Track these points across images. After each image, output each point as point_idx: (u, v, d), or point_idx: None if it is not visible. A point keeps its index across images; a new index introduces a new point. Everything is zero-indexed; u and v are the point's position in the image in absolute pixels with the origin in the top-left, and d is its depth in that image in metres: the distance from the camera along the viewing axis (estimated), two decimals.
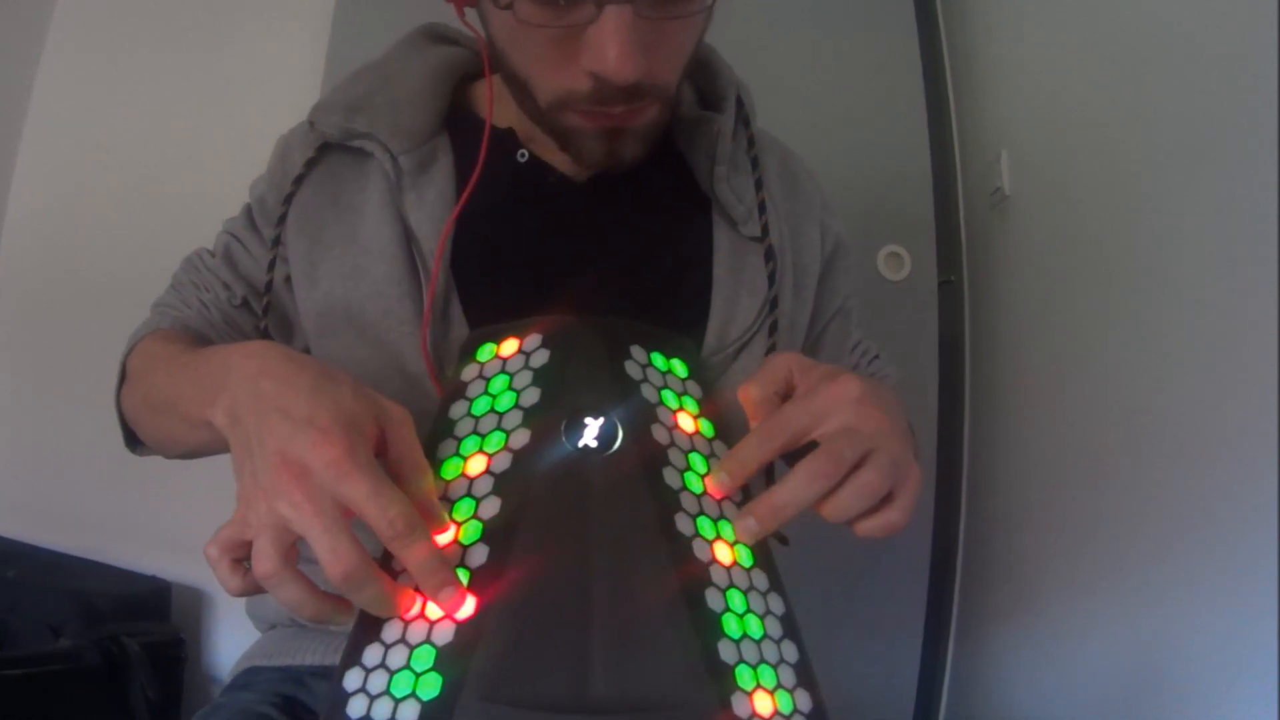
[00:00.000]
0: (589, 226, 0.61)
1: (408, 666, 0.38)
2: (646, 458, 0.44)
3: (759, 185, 0.63)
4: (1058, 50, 1.10)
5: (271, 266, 0.61)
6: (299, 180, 0.61)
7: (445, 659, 0.38)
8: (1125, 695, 0.83)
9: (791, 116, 1.05)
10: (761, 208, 0.62)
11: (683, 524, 0.43)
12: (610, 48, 0.47)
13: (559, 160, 0.62)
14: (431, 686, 0.37)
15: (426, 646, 0.38)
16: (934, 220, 1.30)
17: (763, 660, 0.41)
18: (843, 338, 0.72)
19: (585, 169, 0.61)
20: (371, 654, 0.39)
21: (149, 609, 1.16)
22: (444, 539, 0.41)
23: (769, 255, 0.61)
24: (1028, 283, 1.15)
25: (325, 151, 0.63)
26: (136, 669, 1.00)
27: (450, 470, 0.44)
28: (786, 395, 0.47)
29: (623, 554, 0.41)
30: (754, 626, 0.42)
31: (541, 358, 0.47)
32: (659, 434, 0.45)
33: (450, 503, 0.42)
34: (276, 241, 0.61)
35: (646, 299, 0.59)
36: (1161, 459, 0.82)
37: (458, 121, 0.64)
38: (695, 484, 0.45)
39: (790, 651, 0.42)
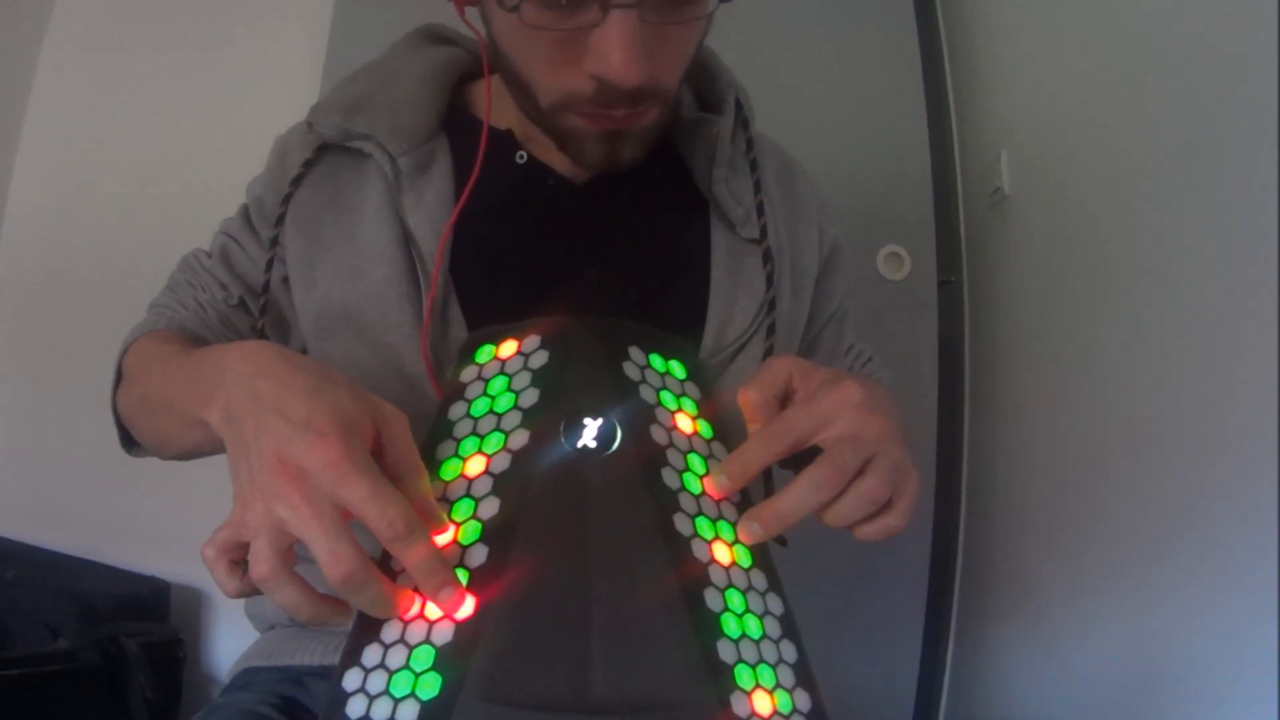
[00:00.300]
0: (587, 228, 0.61)
1: (407, 666, 0.38)
2: (645, 458, 0.44)
3: (757, 187, 0.63)
4: (1058, 50, 1.10)
5: (269, 267, 0.61)
6: (297, 181, 0.61)
7: (444, 659, 0.38)
8: (1125, 695, 0.83)
9: (791, 116, 1.05)
10: (760, 210, 0.62)
11: (681, 524, 0.43)
12: (615, 51, 0.47)
13: (558, 161, 0.62)
14: (431, 686, 0.37)
15: (426, 646, 0.38)
16: (934, 220, 1.30)
17: (762, 660, 0.41)
18: (838, 341, 0.72)
19: (585, 170, 0.61)
20: (371, 654, 0.39)
21: (148, 609, 1.16)
22: (443, 539, 0.41)
23: (767, 257, 0.61)
24: (1027, 283, 1.15)
25: (323, 152, 0.62)
26: (135, 669, 1.00)
27: (449, 471, 0.44)
28: (785, 399, 0.47)
29: (621, 554, 0.41)
30: (753, 626, 0.42)
31: (540, 359, 0.47)
32: (657, 434, 0.45)
33: (449, 503, 0.42)
34: (274, 242, 0.61)
35: (645, 300, 0.59)
36: (1161, 459, 0.82)
37: (457, 123, 0.64)
38: (694, 484, 0.45)
39: (789, 651, 0.42)
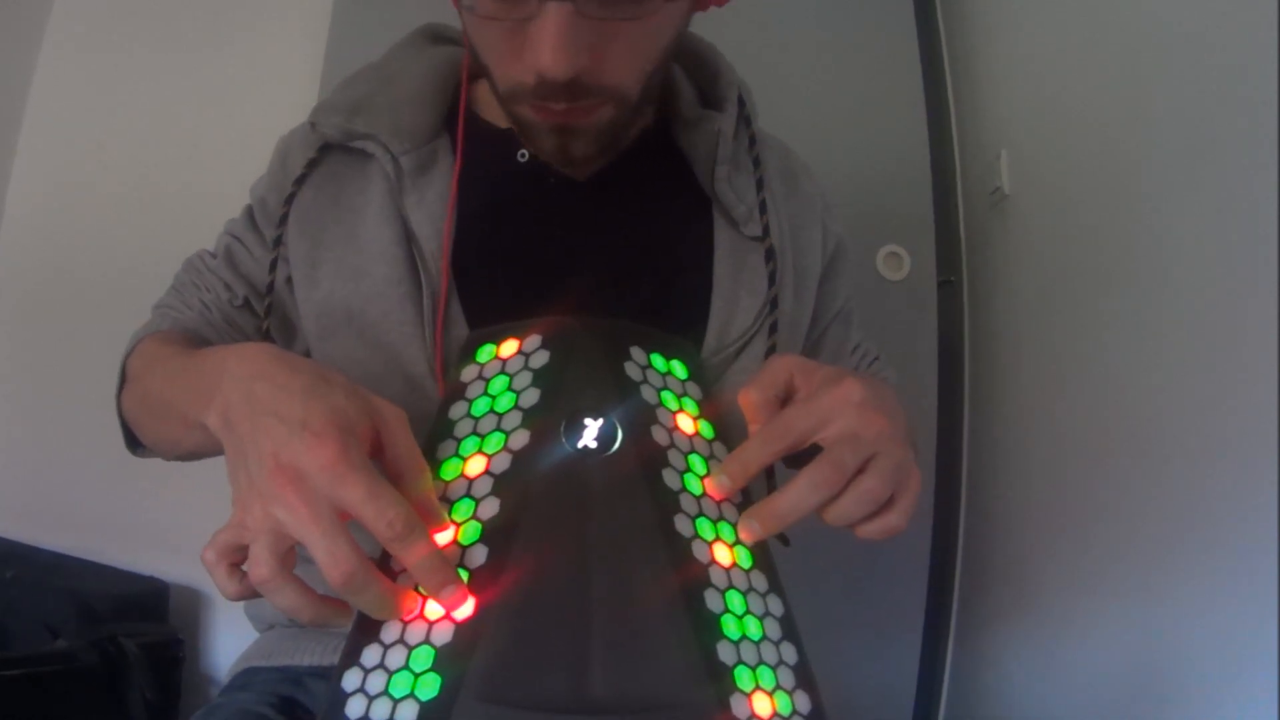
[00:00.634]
0: (589, 226, 0.61)
1: (406, 667, 0.38)
2: (646, 459, 0.44)
3: (760, 185, 0.63)
4: (1057, 50, 1.10)
5: (273, 267, 0.61)
6: (300, 181, 0.61)
7: (444, 659, 0.38)
8: (1125, 695, 0.83)
9: (791, 116, 1.05)
10: (762, 208, 0.62)
11: (682, 525, 0.43)
12: (545, 45, 0.47)
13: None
14: (430, 687, 0.37)
15: (425, 647, 0.38)
16: (934, 220, 1.30)
17: (762, 661, 0.41)
18: (842, 340, 0.72)
19: (548, 161, 0.60)
20: (370, 654, 0.39)
21: (147, 609, 1.16)
22: (443, 539, 0.41)
23: (769, 255, 0.61)
24: (1027, 282, 1.15)
25: (326, 152, 0.62)
26: (134, 670, 1.00)
27: (449, 471, 0.44)
28: (786, 398, 0.47)
29: (622, 555, 0.41)
30: (753, 628, 0.42)
31: (541, 359, 0.47)
32: (658, 435, 0.45)
33: (449, 503, 0.42)
34: (278, 242, 0.61)
35: (646, 299, 0.59)
36: (1161, 459, 0.81)
37: (458, 122, 0.64)
38: (695, 485, 0.45)
39: (789, 653, 0.42)
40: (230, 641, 1.24)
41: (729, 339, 0.59)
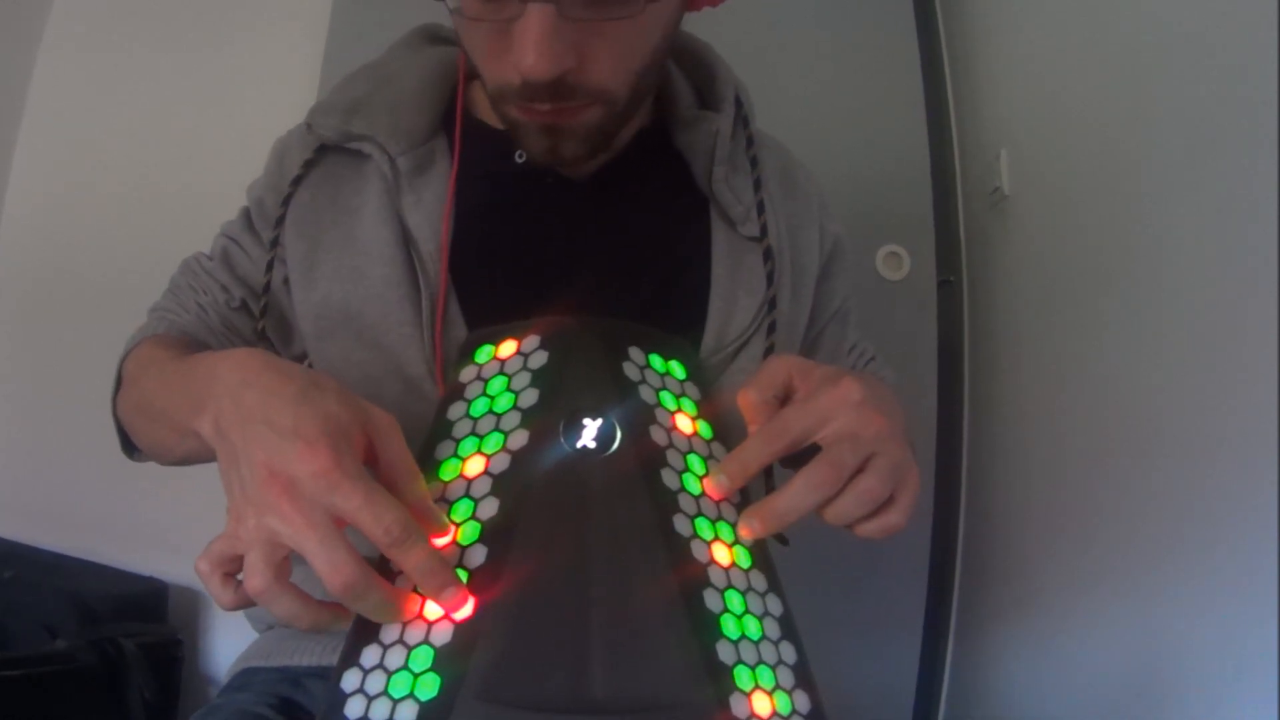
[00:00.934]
0: (587, 227, 0.61)
1: (406, 667, 0.38)
2: (644, 459, 0.44)
3: (758, 185, 0.63)
4: (1057, 50, 1.10)
5: (269, 268, 0.61)
6: (297, 182, 0.61)
7: (443, 659, 0.38)
8: (1125, 695, 0.83)
9: (791, 116, 1.05)
10: (760, 207, 0.62)
11: (681, 525, 0.43)
12: (527, 45, 0.47)
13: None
14: (429, 687, 0.37)
15: (424, 647, 0.38)
16: (933, 220, 1.30)
17: (761, 661, 0.41)
18: (840, 339, 0.72)
19: (540, 162, 0.60)
20: (369, 655, 0.39)
21: (146, 610, 1.16)
22: (442, 541, 0.41)
23: (767, 255, 0.61)
24: (1027, 282, 1.15)
25: (323, 153, 0.62)
26: (133, 670, 1.00)
27: (448, 471, 0.43)
28: (785, 398, 0.47)
29: (621, 555, 0.41)
30: (752, 627, 0.42)
31: (540, 359, 0.47)
32: (657, 435, 0.45)
33: (448, 504, 0.42)
34: (275, 243, 0.61)
35: (645, 299, 0.59)
36: (1161, 459, 0.81)
37: (455, 123, 0.64)
38: (693, 485, 0.45)
39: (789, 652, 0.42)
40: (229, 642, 1.24)
41: (727, 339, 0.59)
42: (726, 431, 0.49)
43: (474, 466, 0.43)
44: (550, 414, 0.44)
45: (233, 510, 0.38)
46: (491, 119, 0.63)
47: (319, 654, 0.60)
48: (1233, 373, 0.73)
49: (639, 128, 0.64)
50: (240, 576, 0.38)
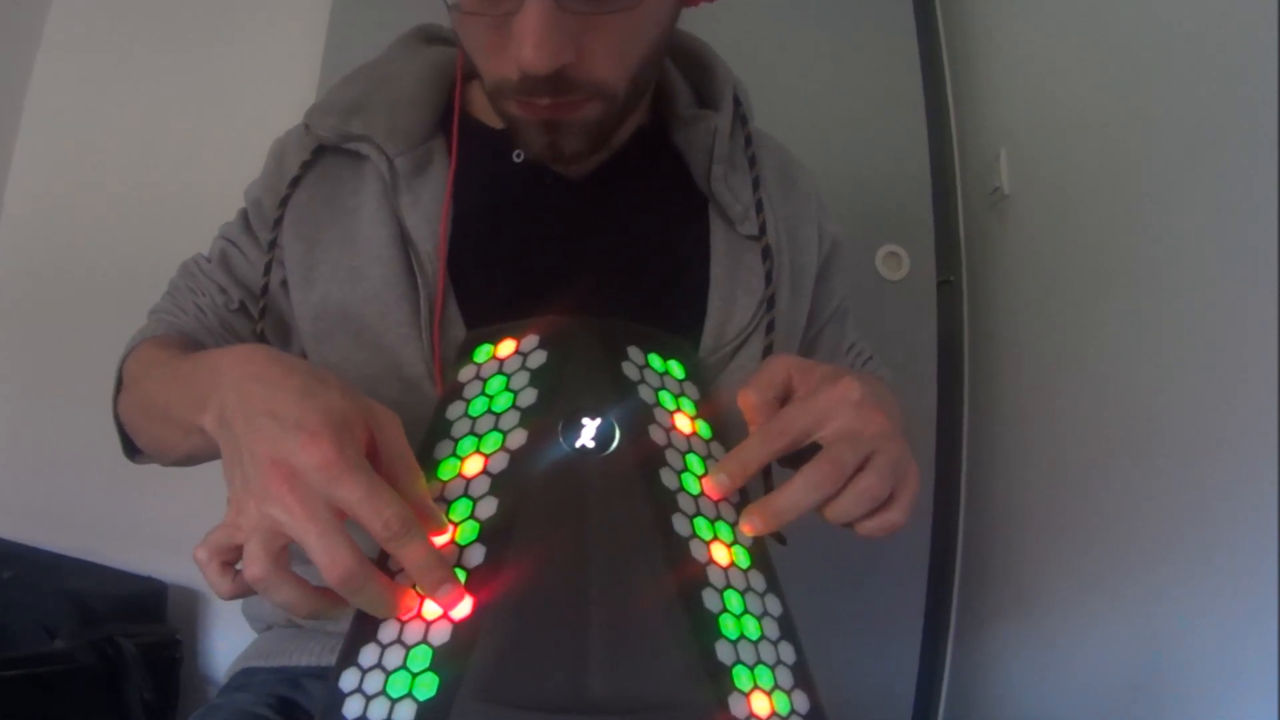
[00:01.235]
0: (585, 226, 0.61)
1: (404, 667, 0.38)
2: (643, 458, 0.44)
3: (756, 184, 0.63)
4: (1057, 50, 1.10)
5: (268, 269, 0.61)
6: (295, 183, 0.61)
7: (442, 659, 0.38)
8: (1125, 695, 0.83)
9: (791, 116, 1.05)
10: (759, 206, 0.62)
11: (680, 525, 0.43)
12: (526, 38, 0.47)
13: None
14: (428, 687, 0.37)
15: (423, 647, 0.38)
16: (933, 220, 1.30)
17: (760, 661, 0.41)
18: (838, 339, 0.72)
19: (535, 160, 0.60)
20: (368, 654, 0.39)
21: (145, 610, 1.15)
22: (441, 540, 0.41)
23: (766, 254, 0.61)
24: (1027, 282, 1.15)
25: (321, 154, 0.62)
26: (132, 670, 1.00)
27: (447, 471, 0.43)
28: (785, 398, 0.47)
29: (620, 554, 0.41)
30: (751, 627, 0.42)
31: (539, 359, 0.46)
32: (656, 435, 0.45)
33: (446, 503, 0.42)
34: (273, 244, 0.61)
35: (644, 298, 0.59)
36: (1161, 459, 0.81)
37: (453, 123, 0.63)
38: (692, 485, 0.45)
39: (787, 652, 0.42)
40: (228, 642, 1.24)
41: (726, 337, 0.59)
42: (725, 431, 0.49)
43: (472, 466, 0.43)
44: (549, 414, 0.44)
45: (233, 500, 0.38)
46: (490, 119, 0.62)
47: (318, 654, 0.60)
48: (1233, 373, 0.72)
49: (637, 126, 0.64)
50: (239, 566, 0.39)
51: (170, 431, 0.49)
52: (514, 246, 0.60)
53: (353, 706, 0.37)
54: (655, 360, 0.49)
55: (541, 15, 0.46)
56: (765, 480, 0.50)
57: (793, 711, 0.40)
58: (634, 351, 0.48)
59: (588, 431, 0.43)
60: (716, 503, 0.45)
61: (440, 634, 0.38)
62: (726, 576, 0.43)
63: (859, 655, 1.18)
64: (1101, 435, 0.92)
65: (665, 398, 0.48)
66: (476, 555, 0.40)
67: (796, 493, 0.42)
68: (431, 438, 0.45)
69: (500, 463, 0.43)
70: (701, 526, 0.43)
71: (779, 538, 0.49)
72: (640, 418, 0.45)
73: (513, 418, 0.44)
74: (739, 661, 0.40)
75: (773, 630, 0.43)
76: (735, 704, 0.38)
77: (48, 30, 1.39)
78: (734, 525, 0.45)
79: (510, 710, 0.36)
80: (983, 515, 1.21)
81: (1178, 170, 0.82)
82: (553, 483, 0.42)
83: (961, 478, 1.27)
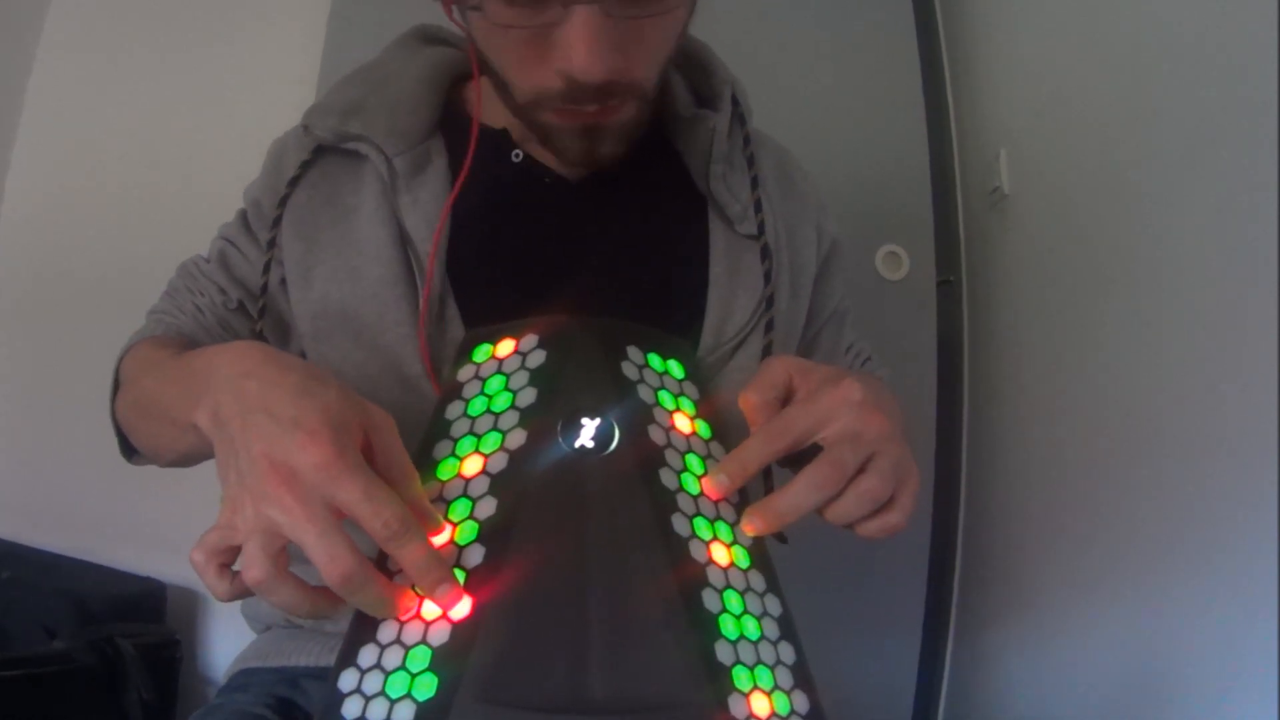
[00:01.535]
0: (585, 226, 0.61)
1: (403, 667, 0.38)
2: (643, 458, 0.44)
3: (755, 183, 0.63)
4: (1057, 50, 1.10)
5: (267, 269, 0.61)
6: (293, 183, 0.61)
7: (441, 659, 0.38)
8: (1125, 695, 0.83)
9: (790, 116, 1.05)
10: (757, 206, 0.62)
11: (679, 525, 0.42)
12: (578, 48, 0.47)
13: (554, 160, 0.61)
14: (427, 687, 0.37)
15: (422, 647, 0.38)
16: (933, 220, 1.30)
17: (760, 661, 0.41)
18: (837, 339, 0.72)
19: (567, 166, 0.60)
20: (367, 654, 0.39)
21: (144, 610, 1.15)
22: (440, 540, 0.40)
23: (765, 253, 0.61)
24: (1027, 282, 1.15)
25: (319, 154, 0.62)
26: (131, 670, 1.00)
27: (446, 471, 0.43)
28: (786, 399, 0.47)
29: (619, 555, 0.41)
30: (751, 627, 0.42)
31: (538, 358, 0.46)
32: (656, 434, 0.45)
33: (446, 503, 0.42)
34: (272, 244, 0.61)
35: (643, 298, 0.59)
36: (1161, 459, 0.81)
37: (452, 123, 0.63)
38: (692, 485, 0.45)
39: (787, 653, 0.42)
40: (227, 642, 1.24)
41: (725, 337, 0.59)
42: (725, 431, 0.49)
43: (471, 466, 0.43)
44: (548, 413, 0.44)
45: (229, 500, 0.38)
46: (490, 119, 0.62)
47: (317, 654, 0.60)
48: (1233, 373, 0.72)
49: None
50: (236, 567, 0.38)
51: (165, 430, 0.49)
52: (513, 246, 0.60)
53: (352, 707, 0.37)
54: (655, 360, 0.49)
55: (592, 24, 0.46)
56: (765, 481, 0.50)
57: (793, 712, 0.40)
58: (633, 351, 0.48)
59: (587, 431, 0.43)
60: (716, 503, 0.45)
61: (439, 634, 0.38)
62: (726, 576, 0.43)
63: (859, 655, 1.18)
64: (1101, 435, 0.92)
65: (665, 397, 0.48)
66: (475, 555, 0.40)
67: (798, 493, 0.42)
68: (430, 437, 0.45)
69: (499, 463, 0.43)
70: (701, 526, 0.43)
71: (780, 537, 0.49)
72: (640, 417, 0.45)
73: (512, 417, 0.44)
74: (739, 662, 0.40)
75: (772, 630, 0.43)
76: (735, 704, 0.38)
77: (47, 30, 1.39)
78: (734, 525, 0.45)
79: (509, 711, 0.36)
80: (982, 515, 1.21)
81: (1178, 170, 0.82)
82: (552, 483, 0.42)
83: (961, 478, 1.27)
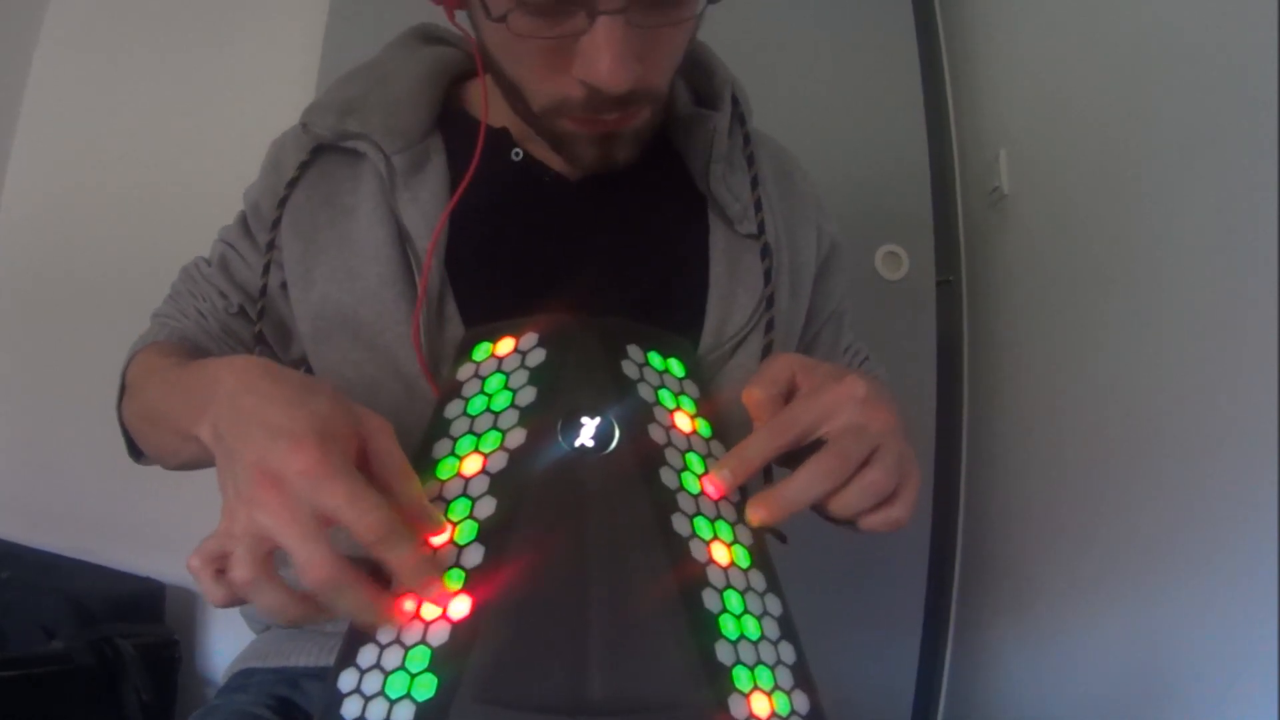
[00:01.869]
0: (585, 225, 0.61)
1: (403, 667, 0.38)
2: (643, 457, 0.43)
3: (755, 183, 0.63)
4: (1056, 50, 1.10)
5: (266, 270, 0.61)
6: (292, 183, 0.61)
7: (441, 660, 0.37)
8: (1125, 695, 0.83)
9: (790, 116, 1.05)
10: (757, 205, 0.62)
11: (679, 524, 0.42)
12: (603, 58, 0.47)
13: (553, 159, 0.61)
14: (427, 687, 0.37)
15: (422, 647, 0.38)
16: (932, 219, 1.30)
17: (760, 661, 0.41)
18: (836, 339, 0.72)
19: (579, 170, 0.61)
20: (366, 654, 0.39)
21: (143, 610, 1.15)
22: (439, 539, 0.40)
23: (765, 252, 0.61)
24: (1026, 282, 1.15)
25: (318, 154, 0.62)
26: (130, 671, 1.00)
27: (445, 470, 0.43)
28: (789, 395, 0.47)
29: (619, 554, 0.40)
30: (751, 627, 0.42)
31: (538, 357, 0.46)
32: (656, 434, 0.45)
33: (445, 503, 0.42)
34: (271, 245, 0.61)
35: (643, 297, 0.59)
36: (1161, 459, 0.81)
37: (451, 121, 0.63)
38: (692, 484, 0.45)
39: (787, 652, 0.42)
40: (226, 643, 1.24)
41: (725, 336, 0.59)
42: (725, 430, 0.49)
43: (471, 465, 0.43)
44: (548, 412, 0.44)
45: (226, 510, 0.39)
46: (490, 118, 0.62)
47: (316, 654, 0.60)
48: (1233, 373, 0.72)
49: None
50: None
51: (169, 439, 0.50)
52: (512, 245, 0.60)
53: (351, 707, 0.37)
54: (655, 359, 0.49)
55: (616, 35, 0.46)
56: (765, 480, 0.50)
57: (793, 712, 0.40)
58: (633, 350, 0.48)
59: (587, 430, 0.43)
60: (716, 502, 0.45)
61: (439, 634, 0.38)
62: (726, 576, 0.42)
63: (859, 655, 1.18)
64: (1101, 435, 0.92)
65: (665, 396, 0.47)
66: (475, 555, 0.40)
67: (803, 483, 0.42)
68: (430, 437, 0.45)
69: (499, 462, 0.43)
70: (701, 526, 0.43)
71: (780, 537, 0.49)
72: (640, 416, 0.45)
73: (511, 417, 0.44)
74: (739, 662, 0.40)
75: (773, 630, 0.42)
76: (735, 704, 0.38)
77: (46, 30, 1.39)
78: (734, 525, 0.45)
79: (509, 711, 0.36)
80: (982, 515, 1.21)
81: (1177, 170, 0.82)
82: (552, 482, 0.42)
83: (961, 478, 1.27)
